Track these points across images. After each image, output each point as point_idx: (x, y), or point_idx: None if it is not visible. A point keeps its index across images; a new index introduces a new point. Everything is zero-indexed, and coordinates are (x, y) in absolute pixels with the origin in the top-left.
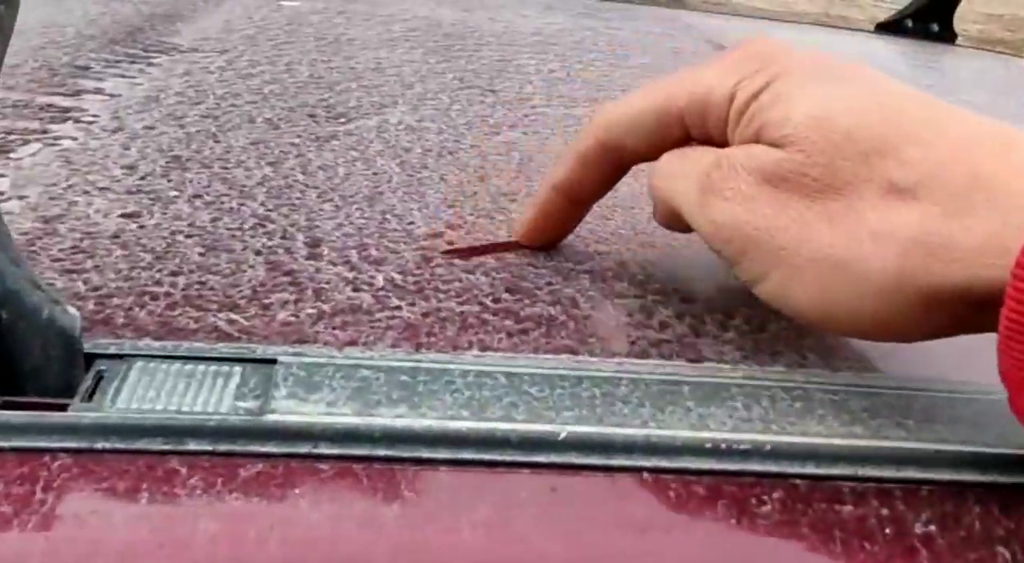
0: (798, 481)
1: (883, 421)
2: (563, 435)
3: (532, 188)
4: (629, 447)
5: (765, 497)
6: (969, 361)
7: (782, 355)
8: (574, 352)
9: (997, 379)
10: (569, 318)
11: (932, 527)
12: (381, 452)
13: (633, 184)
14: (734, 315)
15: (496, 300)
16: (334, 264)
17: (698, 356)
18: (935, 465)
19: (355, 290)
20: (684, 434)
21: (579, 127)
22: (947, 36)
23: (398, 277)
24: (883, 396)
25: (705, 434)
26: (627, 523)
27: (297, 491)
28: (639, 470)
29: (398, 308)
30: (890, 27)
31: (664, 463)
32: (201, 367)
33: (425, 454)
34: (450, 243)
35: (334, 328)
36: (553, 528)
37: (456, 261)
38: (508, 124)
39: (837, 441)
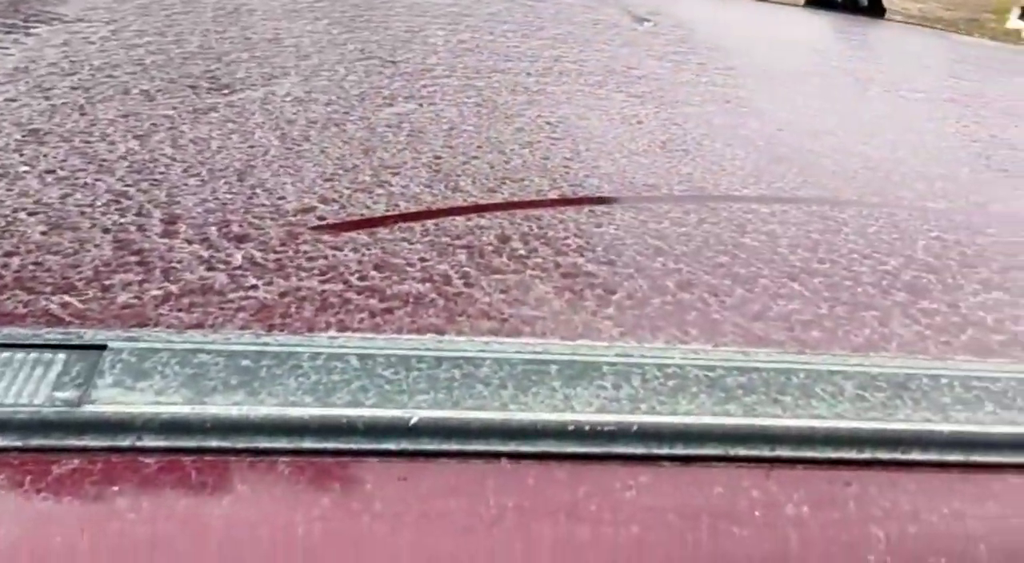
0: (666, 463)
1: (759, 398)
2: (415, 420)
3: (420, 161)
4: (486, 432)
5: (630, 481)
6: (854, 334)
7: (662, 331)
8: (440, 332)
9: (882, 352)
10: (439, 296)
11: (805, 509)
12: (213, 443)
13: (527, 156)
14: (616, 290)
15: (363, 278)
16: (190, 242)
17: (572, 334)
18: (811, 444)
19: (209, 269)
20: (546, 417)
21: (479, 98)
22: (876, 10)
23: (259, 255)
24: (761, 372)
25: (569, 416)
26: (481, 514)
27: (116, 488)
28: (497, 456)
29: (254, 288)
30: (820, 2)
31: (524, 448)
32: (19, 355)
33: (262, 444)
34: (321, 219)
35: (179, 310)
36: (400, 521)
37: (325, 237)
38: (404, 96)
39: (708, 420)
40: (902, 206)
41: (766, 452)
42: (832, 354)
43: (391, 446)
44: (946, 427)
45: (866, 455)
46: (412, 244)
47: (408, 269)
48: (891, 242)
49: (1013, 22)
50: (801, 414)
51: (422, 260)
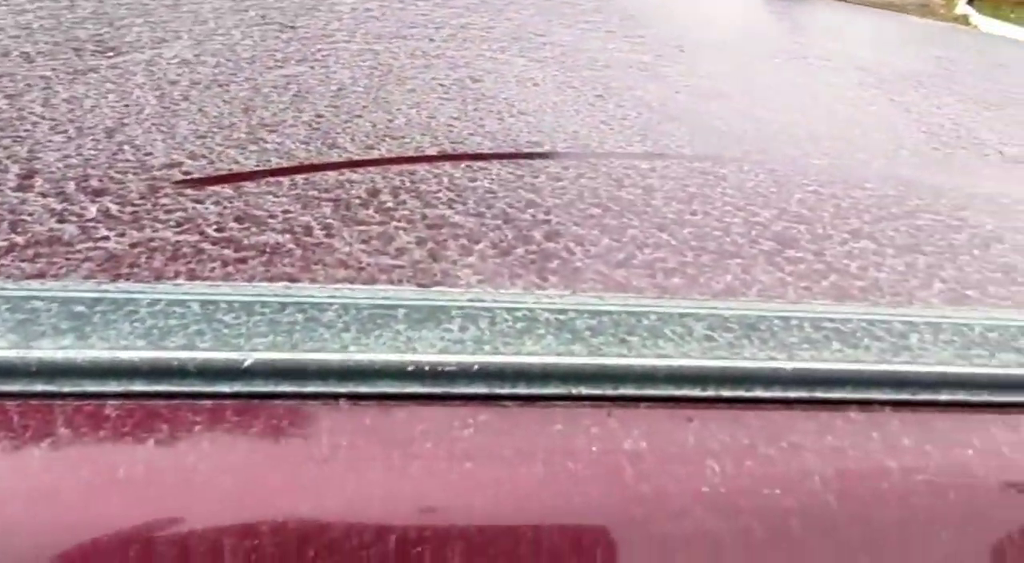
0: (508, 402)
1: (606, 339)
2: (249, 362)
3: (300, 120)
4: (324, 373)
5: (470, 420)
6: (716, 281)
7: (521, 278)
8: (292, 280)
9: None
10: (298, 246)
11: (643, 444)
12: (39, 387)
13: (412, 115)
14: (480, 240)
15: (220, 229)
16: (45, 195)
17: (429, 281)
18: (654, 382)
19: (60, 222)
20: (385, 358)
21: (375, 62)
22: None
23: (115, 208)
24: (612, 315)
25: (409, 357)
26: (313, 453)
27: None
28: (335, 397)
29: (104, 239)
30: None
31: (362, 389)
32: None
33: (90, 388)
34: (187, 173)
35: (23, 261)
36: (227, 461)
37: (188, 191)
38: (297, 59)
39: (552, 360)
40: (783, 163)
41: (609, 391)
42: (686, 298)
43: (224, 388)
44: (791, 365)
45: (709, 392)
46: (277, 197)
47: (269, 221)
48: (767, 195)
49: (961, 7)
50: (647, 354)
51: (285, 212)
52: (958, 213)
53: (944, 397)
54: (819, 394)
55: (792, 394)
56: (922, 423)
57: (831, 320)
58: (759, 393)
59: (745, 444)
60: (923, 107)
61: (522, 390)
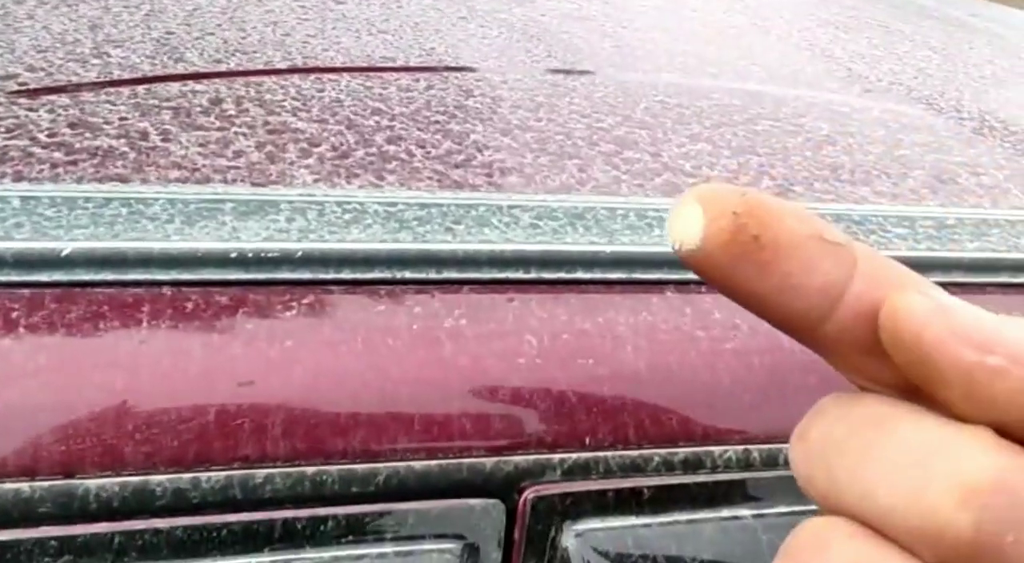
0: (333, 287)
1: (432, 227)
2: (67, 251)
3: (149, 36)
4: (145, 261)
5: (293, 304)
6: (552, 179)
7: (358, 177)
8: (124, 181)
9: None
10: (132, 150)
11: (463, 321)
12: None
13: (267, 33)
14: (320, 144)
15: (52, 135)
16: None
17: (265, 180)
18: (477, 265)
19: None
20: (208, 246)
21: None
22: None
23: None
24: (442, 207)
25: (232, 245)
26: (132, 335)
27: None
28: (158, 284)
29: None
30: None
31: (184, 276)
32: None
33: None
34: (23, 84)
35: None
36: (44, 346)
37: (21, 100)
38: None
39: (376, 246)
40: (634, 76)
41: (432, 274)
42: (518, 192)
43: (43, 278)
44: (611, 248)
45: (531, 275)
46: (116, 106)
47: (105, 127)
48: (614, 104)
49: None
50: (471, 240)
51: (122, 119)
52: (796, 120)
53: None
54: (638, 275)
55: (612, 275)
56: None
57: (655, 210)
58: (580, 274)
59: (563, 320)
60: (783, 30)
61: (346, 275)
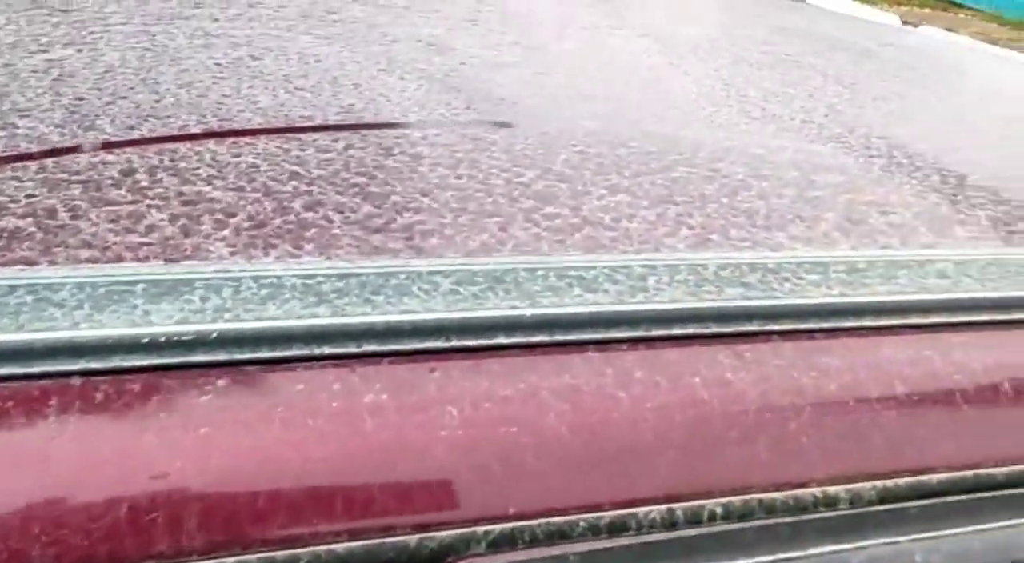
0: (249, 367)
1: (351, 299)
2: None
3: (59, 103)
4: (52, 352)
5: (208, 387)
6: (472, 239)
7: (276, 247)
8: (30, 263)
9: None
10: (39, 230)
11: (384, 395)
12: None
13: (181, 95)
14: (237, 214)
15: None
16: None
17: (179, 256)
18: (397, 337)
19: None
20: (118, 332)
21: (150, 43)
22: None
23: None
24: (361, 277)
25: (144, 330)
26: (41, 432)
27: None
28: (66, 375)
29: None
30: None
31: (95, 364)
32: None
33: None
34: None
35: None
36: None
37: None
38: (64, 43)
39: (294, 323)
40: (554, 126)
41: (352, 348)
42: (438, 256)
43: None
44: (532, 311)
45: (452, 343)
46: (22, 181)
47: (11, 205)
48: (533, 157)
49: None
50: (391, 311)
51: (29, 196)
52: (713, 164)
53: (676, 331)
54: (558, 337)
55: (533, 339)
56: (654, 357)
57: (575, 268)
58: (501, 340)
59: (484, 388)
60: (699, 70)
61: (263, 354)
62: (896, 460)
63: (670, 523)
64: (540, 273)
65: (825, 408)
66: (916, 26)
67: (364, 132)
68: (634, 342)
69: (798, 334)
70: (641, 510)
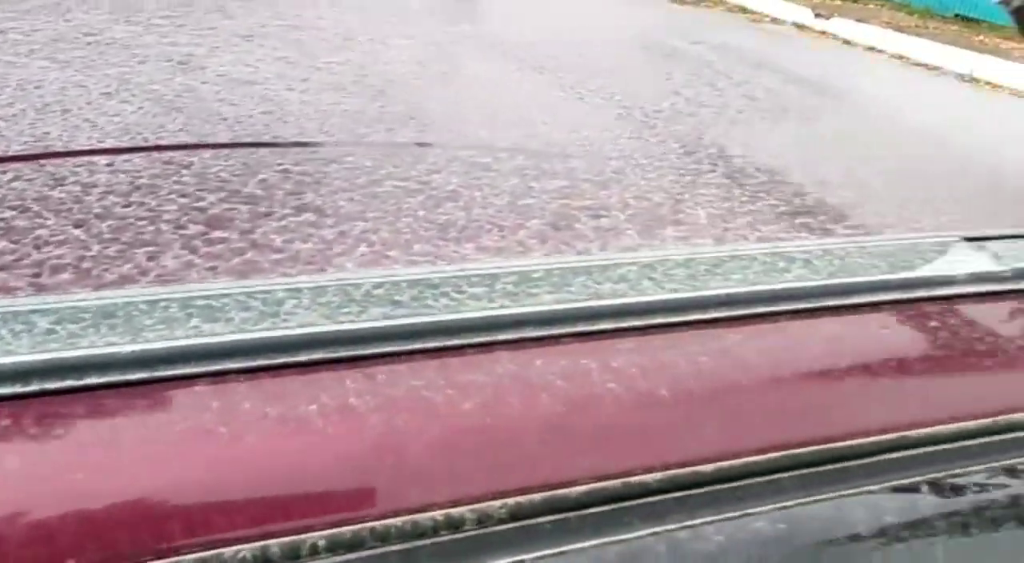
0: None
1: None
2: None
3: None
4: None
5: None
6: (111, 272)
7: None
8: None
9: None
10: None
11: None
12: None
13: None
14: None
15: None
16: None
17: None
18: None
19: None
20: None
21: None
22: None
23: None
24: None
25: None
26: None
27: None
28: None
29: None
30: None
31: None
32: None
33: None
34: None
35: None
36: None
37: None
38: None
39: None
40: (264, 144)
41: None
42: (65, 291)
43: None
44: (131, 348)
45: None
46: None
47: None
48: (224, 180)
49: None
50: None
51: None
52: (428, 176)
53: (302, 357)
54: (159, 373)
55: (133, 376)
56: (272, 386)
57: (204, 297)
58: (92, 380)
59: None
60: (441, 74)
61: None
62: (530, 477)
63: (264, 560)
64: (162, 304)
65: (466, 427)
66: (828, 18)
67: (41, 162)
68: (252, 372)
69: (448, 351)
70: (228, 550)
